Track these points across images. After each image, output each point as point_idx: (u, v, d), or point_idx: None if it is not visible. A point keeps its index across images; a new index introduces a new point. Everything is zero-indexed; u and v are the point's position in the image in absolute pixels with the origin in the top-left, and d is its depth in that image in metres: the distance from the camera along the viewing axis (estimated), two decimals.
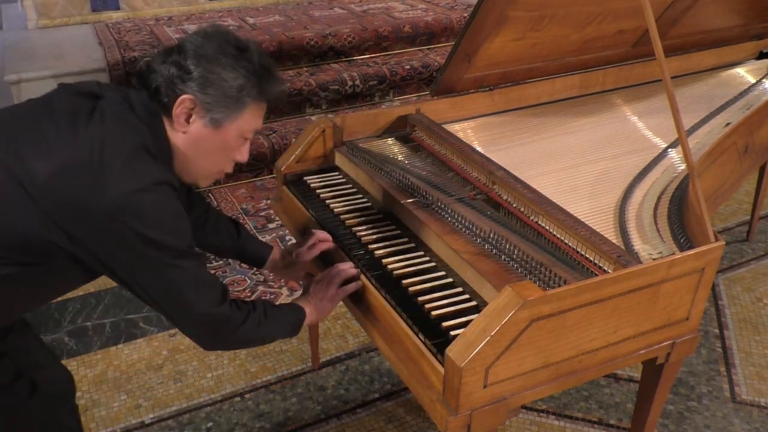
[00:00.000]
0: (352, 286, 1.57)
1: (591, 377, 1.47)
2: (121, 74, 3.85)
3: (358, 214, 1.81)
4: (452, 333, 1.36)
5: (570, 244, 1.53)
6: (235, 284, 2.84)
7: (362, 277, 1.58)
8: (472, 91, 2.25)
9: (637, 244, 1.58)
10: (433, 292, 1.49)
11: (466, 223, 1.62)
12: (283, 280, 2.86)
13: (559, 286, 1.37)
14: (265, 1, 5.34)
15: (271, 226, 3.27)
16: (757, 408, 2.26)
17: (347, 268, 1.57)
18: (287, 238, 3.14)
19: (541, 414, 2.23)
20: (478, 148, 1.98)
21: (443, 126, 2.07)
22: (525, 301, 1.22)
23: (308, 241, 1.69)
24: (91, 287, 2.77)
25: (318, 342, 2.43)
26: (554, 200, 1.64)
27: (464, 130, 2.17)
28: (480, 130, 2.19)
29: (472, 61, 2.10)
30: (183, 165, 1.34)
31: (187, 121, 1.28)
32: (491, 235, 1.57)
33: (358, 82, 4.15)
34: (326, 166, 2.05)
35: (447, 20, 4.74)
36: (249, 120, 1.33)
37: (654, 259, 1.47)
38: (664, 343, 1.52)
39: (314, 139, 2.00)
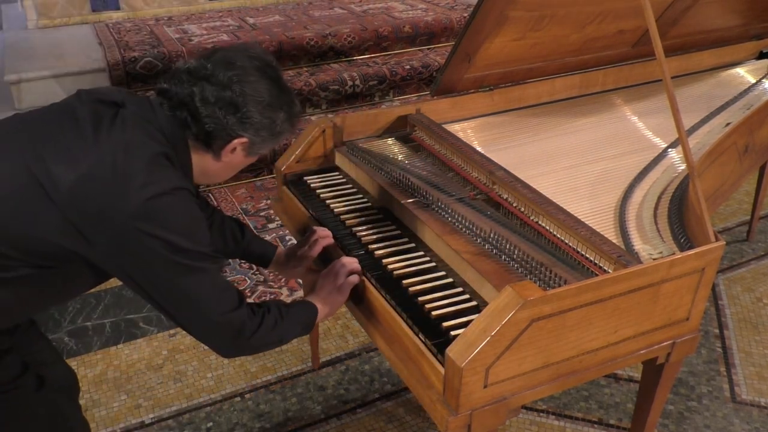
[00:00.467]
0: (356, 277, 1.57)
1: (591, 377, 1.47)
2: (121, 74, 3.85)
3: (358, 214, 1.81)
4: (452, 333, 1.36)
5: (570, 244, 1.53)
6: (235, 284, 2.84)
7: (363, 277, 1.58)
8: (472, 91, 2.25)
9: (638, 244, 1.58)
10: (433, 292, 1.49)
11: (467, 223, 1.62)
12: (283, 280, 2.86)
13: (560, 286, 1.37)
14: (265, 1, 5.34)
15: (271, 226, 3.27)
16: (757, 408, 2.26)
17: (352, 260, 1.58)
18: (287, 238, 3.14)
19: (541, 414, 2.23)
20: (478, 148, 1.98)
21: (443, 126, 2.07)
22: (525, 301, 1.22)
23: (309, 240, 1.70)
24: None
25: (318, 342, 2.43)
26: (554, 200, 1.64)
27: (464, 130, 2.17)
28: (480, 130, 2.19)
29: (472, 61, 2.10)
30: (205, 178, 1.41)
31: (232, 152, 1.34)
32: (491, 235, 1.57)
33: (358, 82, 4.15)
34: (326, 166, 2.05)
35: (447, 20, 4.74)
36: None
37: (654, 259, 1.47)
38: (665, 343, 1.52)
39: (314, 139, 2.00)
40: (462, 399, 1.26)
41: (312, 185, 1.95)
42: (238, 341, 1.36)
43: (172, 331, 2.60)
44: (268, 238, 3.17)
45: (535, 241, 1.57)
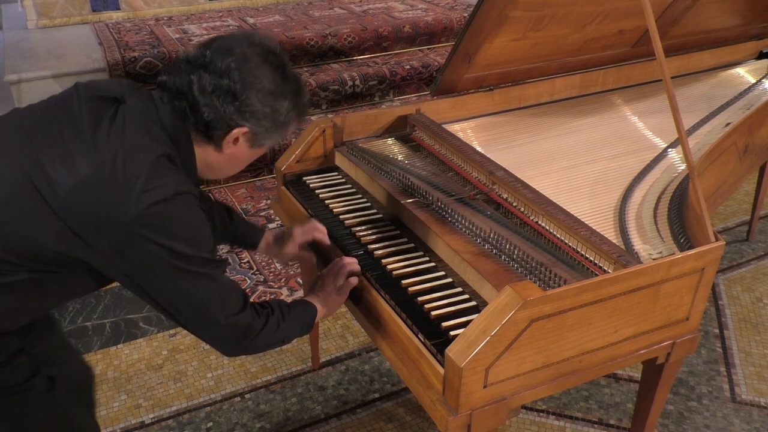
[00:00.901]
0: (356, 279, 1.56)
1: (591, 377, 1.47)
2: (121, 74, 3.85)
3: (357, 214, 1.81)
4: (452, 333, 1.36)
5: (570, 244, 1.53)
6: None
7: (362, 277, 1.57)
8: (472, 91, 2.25)
9: (637, 244, 1.58)
10: (432, 292, 1.49)
11: (466, 223, 1.62)
12: (283, 280, 2.86)
13: (559, 286, 1.37)
14: (265, 1, 5.34)
15: (271, 226, 3.27)
16: (757, 408, 2.26)
17: (352, 261, 1.57)
18: None
19: (541, 414, 2.23)
20: (478, 148, 1.98)
21: (443, 126, 2.07)
22: (525, 301, 1.22)
23: (305, 225, 1.69)
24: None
25: (318, 342, 2.43)
26: (554, 200, 1.64)
27: (464, 130, 2.17)
28: (480, 130, 2.19)
29: (472, 61, 2.10)
30: (211, 172, 1.37)
31: (234, 143, 1.30)
32: (491, 235, 1.57)
33: (358, 82, 4.15)
34: (326, 166, 2.05)
35: (447, 20, 4.74)
36: (288, 134, 1.38)
37: (654, 259, 1.47)
38: (664, 343, 1.52)
39: (314, 139, 2.00)
40: (462, 399, 1.26)
41: (312, 185, 1.95)
42: (243, 342, 1.35)
43: (172, 331, 2.60)
44: None
45: (535, 241, 1.57)
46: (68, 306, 2.70)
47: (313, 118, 4.00)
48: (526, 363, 1.31)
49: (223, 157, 1.33)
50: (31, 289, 1.24)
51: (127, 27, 4.61)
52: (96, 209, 1.15)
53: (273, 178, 3.66)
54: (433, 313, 1.43)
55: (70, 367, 1.56)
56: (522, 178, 1.73)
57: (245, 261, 3.01)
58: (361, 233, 1.71)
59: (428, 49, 4.69)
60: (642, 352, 1.49)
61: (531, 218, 1.63)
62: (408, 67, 4.33)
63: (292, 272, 2.92)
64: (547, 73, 2.38)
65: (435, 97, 2.19)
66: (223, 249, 3.06)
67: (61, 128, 1.20)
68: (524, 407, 2.23)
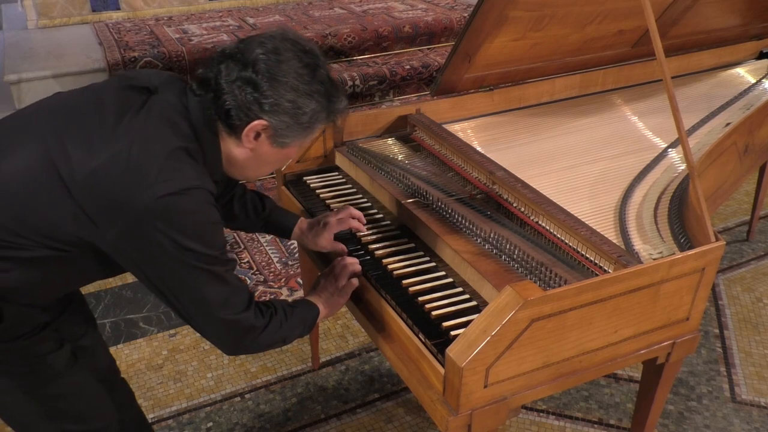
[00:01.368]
0: (357, 280, 1.56)
1: (591, 377, 1.47)
2: None
3: None
4: (452, 333, 1.36)
5: (570, 244, 1.53)
6: None
7: (363, 277, 1.57)
8: (472, 91, 2.25)
9: (638, 244, 1.58)
10: (433, 292, 1.49)
11: (467, 223, 1.62)
12: (283, 280, 2.86)
13: (560, 285, 1.37)
14: (265, 1, 5.34)
15: None
16: (757, 408, 2.26)
17: (353, 261, 1.57)
18: None
19: (541, 414, 2.23)
20: (478, 148, 1.98)
21: (443, 126, 2.07)
22: (525, 301, 1.22)
23: (340, 213, 1.66)
24: (91, 287, 2.76)
25: (318, 342, 2.43)
26: (554, 200, 1.64)
27: (464, 130, 2.17)
28: (480, 130, 2.19)
29: (472, 61, 2.10)
30: (237, 170, 1.36)
31: (255, 138, 1.28)
32: (491, 235, 1.57)
33: (358, 82, 4.15)
34: (326, 166, 2.05)
35: (447, 20, 4.74)
36: (313, 136, 1.36)
37: (654, 259, 1.47)
38: (665, 343, 1.52)
39: (314, 139, 2.00)
40: (462, 399, 1.26)
41: (312, 185, 1.95)
42: (245, 341, 1.35)
43: (172, 331, 2.60)
44: (268, 238, 3.17)
45: (535, 241, 1.57)
46: None
47: None
48: (526, 363, 1.31)
49: (246, 153, 1.31)
50: (53, 266, 1.26)
51: (127, 27, 4.61)
52: (109, 195, 1.16)
53: (273, 177, 3.66)
54: (434, 313, 1.43)
55: (93, 351, 1.57)
56: (522, 178, 1.73)
57: (245, 261, 3.01)
58: (361, 233, 1.71)
59: (428, 49, 4.70)
60: (642, 352, 1.49)
61: (531, 218, 1.63)
62: (408, 67, 4.33)
63: (292, 272, 2.92)
64: (547, 73, 2.38)
65: (435, 97, 2.19)
66: None
67: (88, 115, 1.22)
68: (524, 407, 2.23)
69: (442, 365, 1.29)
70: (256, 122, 1.24)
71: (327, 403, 2.29)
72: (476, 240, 1.58)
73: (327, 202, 1.87)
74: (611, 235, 1.61)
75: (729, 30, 2.70)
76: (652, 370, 1.64)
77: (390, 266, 1.58)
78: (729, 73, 2.71)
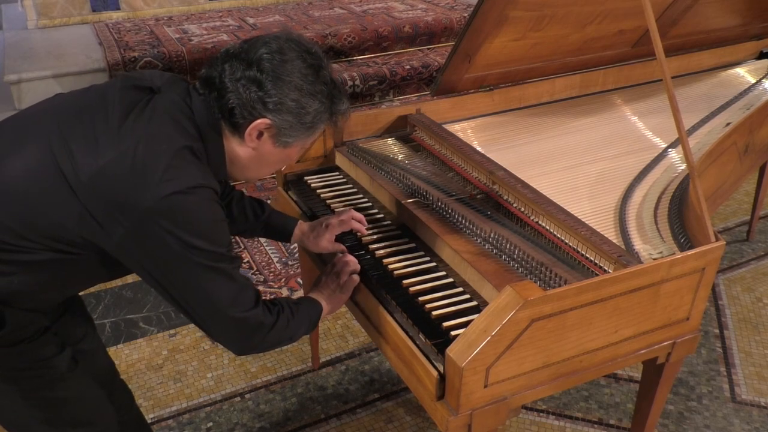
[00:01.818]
0: (358, 276, 1.56)
1: (591, 377, 1.47)
2: None
3: None
4: (453, 333, 1.36)
5: (570, 244, 1.53)
6: None
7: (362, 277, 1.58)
8: (472, 91, 2.25)
9: (638, 244, 1.58)
10: (433, 292, 1.49)
11: (467, 223, 1.62)
12: (283, 280, 2.86)
13: (560, 285, 1.37)
14: (265, 1, 5.34)
15: None
16: (757, 408, 2.27)
17: (354, 260, 1.57)
18: None
19: (541, 414, 2.23)
20: (478, 148, 1.98)
21: (443, 126, 2.07)
22: (525, 301, 1.22)
23: (342, 215, 1.66)
24: (91, 287, 2.76)
25: (318, 342, 2.43)
26: (554, 200, 1.64)
27: (464, 130, 2.17)
28: (480, 130, 2.19)
29: (472, 61, 2.10)
30: (238, 170, 1.36)
31: (258, 138, 1.28)
32: (491, 235, 1.57)
33: (358, 82, 4.15)
34: (326, 166, 2.05)
35: (447, 20, 4.74)
36: (315, 137, 1.37)
37: (654, 259, 1.47)
38: (665, 343, 1.52)
39: (314, 139, 2.00)
40: (462, 399, 1.26)
41: (312, 185, 1.95)
42: (254, 339, 1.35)
43: (172, 331, 2.60)
44: None
45: (535, 241, 1.57)
46: None
47: None
48: (526, 363, 1.31)
49: (248, 153, 1.31)
50: (56, 269, 1.25)
51: (127, 27, 4.62)
52: (114, 196, 1.16)
53: (273, 177, 3.66)
54: (434, 313, 1.43)
55: (93, 354, 1.57)
56: (522, 178, 1.73)
57: (245, 261, 3.01)
58: (362, 234, 1.71)
59: (428, 49, 4.70)
60: (642, 352, 1.49)
61: (531, 218, 1.63)
62: (408, 67, 4.33)
63: (292, 272, 2.92)
64: (547, 73, 2.38)
65: (435, 97, 2.19)
66: None
67: (92, 115, 1.22)
68: (524, 407, 2.23)
69: (435, 368, 1.29)
70: (259, 121, 1.25)
71: (327, 403, 2.29)
72: (476, 240, 1.58)
73: (327, 202, 1.87)
74: (611, 235, 1.61)
75: (729, 30, 2.70)
76: (652, 370, 1.64)
77: (390, 266, 1.58)
78: (729, 73, 2.71)
